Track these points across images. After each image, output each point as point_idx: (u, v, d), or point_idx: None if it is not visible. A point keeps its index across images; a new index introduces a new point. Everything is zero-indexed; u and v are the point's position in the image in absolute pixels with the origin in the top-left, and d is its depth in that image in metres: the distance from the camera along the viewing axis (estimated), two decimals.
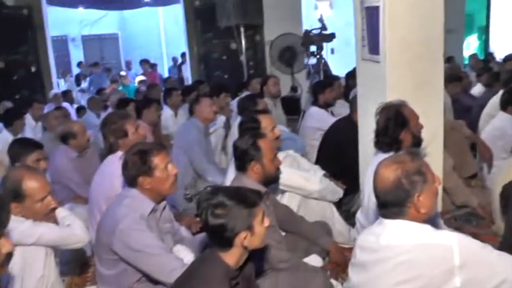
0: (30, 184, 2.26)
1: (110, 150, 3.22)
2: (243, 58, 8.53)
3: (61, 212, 2.47)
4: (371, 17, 3.22)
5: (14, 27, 8.13)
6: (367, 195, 2.75)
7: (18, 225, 2.19)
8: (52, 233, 2.31)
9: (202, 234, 2.76)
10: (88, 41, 14.86)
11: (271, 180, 2.72)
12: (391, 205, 1.82)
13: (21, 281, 2.20)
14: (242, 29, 8.30)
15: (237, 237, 1.75)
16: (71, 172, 3.89)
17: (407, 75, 3.16)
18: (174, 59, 12.65)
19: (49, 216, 2.35)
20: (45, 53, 8.66)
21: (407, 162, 1.82)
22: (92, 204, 3.14)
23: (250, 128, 3.04)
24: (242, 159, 2.59)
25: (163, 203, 2.52)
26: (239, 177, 2.60)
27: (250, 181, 2.51)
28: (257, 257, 2.10)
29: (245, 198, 1.78)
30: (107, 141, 3.25)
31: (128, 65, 12.46)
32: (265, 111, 3.37)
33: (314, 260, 2.82)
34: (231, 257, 1.79)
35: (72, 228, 2.41)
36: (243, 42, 8.41)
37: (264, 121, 3.11)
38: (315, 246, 2.93)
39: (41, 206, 2.29)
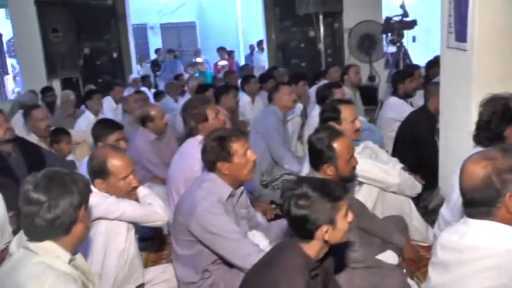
0: (115, 162, 2.36)
1: (190, 134, 3.28)
2: (321, 46, 8.41)
3: (142, 191, 2.56)
4: (460, 1, 3.03)
5: (99, 17, 8.72)
6: (458, 191, 2.59)
7: (104, 200, 2.32)
8: (134, 210, 2.41)
9: (278, 222, 2.77)
10: (166, 29, 15.29)
11: (346, 181, 2.61)
12: (478, 204, 1.70)
13: (104, 253, 2.33)
14: (321, 17, 8.18)
15: (319, 230, 1.72)
16: (150, 154, 4.03)
17: (497, 64, 2.94)
18: (251, 47, 12.73)
19: (131, 194, 2.44)
20: (126, 40, 9.13)
21: (499, 158, 1.67)
22: (170, 185, 3.24)
23: (330, 118, 2.98)
24: (316, 159, 2.50)
25: (241, 188, 2.53)
26: (313, 175, 2.51)
27: None
28: (338, 252, 2.06)
29: (329, 191, 1.74)
30: (187, 125, 3.30)
31: (197, 53, 12.70)
32: (348, 101, 3.23)
33: (390, 257, 2.71)
34: (312, 249, 1.77)
35: (153, 207, 2.49)
36: (322, 29, 8.28)
37: (345, 111, 3.01)
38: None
39: (124, 183, 2.39)
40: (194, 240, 2.34)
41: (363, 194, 3.01)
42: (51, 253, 1.64)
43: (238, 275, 2.22)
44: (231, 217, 2.36)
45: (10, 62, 11.05)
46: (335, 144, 2.44)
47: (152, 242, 3.47)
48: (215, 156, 2.37)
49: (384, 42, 8.06)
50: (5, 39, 10.55)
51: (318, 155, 2.48)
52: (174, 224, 2.50)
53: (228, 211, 2.37)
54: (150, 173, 4.01)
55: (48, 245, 1.65)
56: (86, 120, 5.37)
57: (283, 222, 2.69)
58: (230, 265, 2.33)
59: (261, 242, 2.38)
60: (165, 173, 3.67)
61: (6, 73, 10.84)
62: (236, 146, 2.36)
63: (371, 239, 2.81)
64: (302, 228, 1.73)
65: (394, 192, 3.09)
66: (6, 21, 9.89)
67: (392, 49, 7.65)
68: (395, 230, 2.85)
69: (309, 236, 1.74)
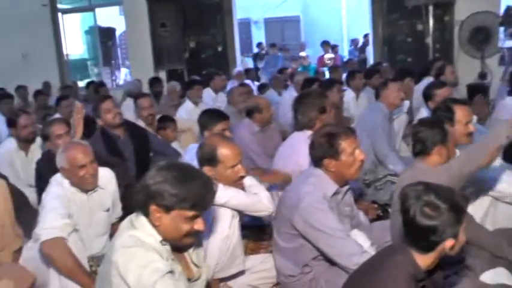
0: (224, 151, 2.45)
1: (307, 125, 3.25)
2: (429, 40, 7.99)
3: (249, 181, 2.63)
4: None
5: (206, 12, 9.08)
6: None
7: None
8: (240, 198, 2.49)
9: (380, 223, 2.71)
10: (270, 23, 15.41)
11: None
12: None
13: (208, 237, 2.41)
14: (431, 8, 7.77)
15: (442, 243, 1.64)
16: (253, 144, 4.09)
17: None
18: (354, 41, 12.47)
19: (237, 183, 2.52)
20: (231, 34, 9.37)
21: None
22: None
23: (443, 118, 2.80)
24: (424, 143, 2.41)
25: (346, 186, 2.51)
26: (418, 165, 2.41)
27: (431, 170, 2.31)
28: (446, 264, 1.96)
29: (457, 203, 1.65)
30: (304, 116, 3.28)
31: (302, 47, 12.67)
32: (463, 101, 3.04)
33: (501, 275, 2.46)
34: (424, 260, 1.69)
35: (259, 197, 2.56)
36: (431, 22, 7.86)
37: (459, 112, 2.82)
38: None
39: (231, 172, 2.47)
40: (297, 234, 2.35)
41: (473, 203, 2.79)
42: (146, 230, 1.76)
43: (339, 273, 2.21)
44: (335, 214, 2.34)
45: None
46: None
47: (251, 231, 3.53)
48: (323, 152, 2.36)
49: (501, 36, 7.46)
50: (118, 33, 11.40)
51: (428, 138, 2.42)
52: (277, 216, 2.54)
53: (332, 208, 2.36)
54: (252, 164, 4.06)
55: (145, 221, 1.77)
56: (185, 109, 5.64)
57: (385, 224, 2.64)
58: (331, 262, 2.32)
59: (364, 243, 2.33)
60: (267, 164, 3.73)
61: (119, 65, 11.69)
62: (345, 144, 2.33)
63: (479, 252, 2.60)
64: (425, 239, 1.65)
65: (508, 203, 2.85)
66: (119, 17, 10.68)
67: (510, 43, 7.07)
68: (506, 243, 2.61)
69: (430, 247, 1.66)
